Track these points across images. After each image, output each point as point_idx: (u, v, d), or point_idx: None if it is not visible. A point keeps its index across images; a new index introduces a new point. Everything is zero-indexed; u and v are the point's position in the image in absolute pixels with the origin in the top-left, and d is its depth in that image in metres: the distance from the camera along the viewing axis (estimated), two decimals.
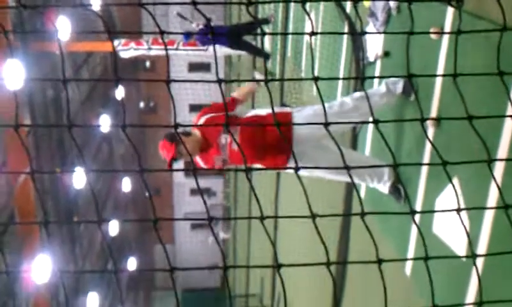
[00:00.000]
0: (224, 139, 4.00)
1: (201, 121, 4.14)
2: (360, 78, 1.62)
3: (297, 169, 1.67)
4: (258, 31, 10.99)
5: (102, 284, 19.11)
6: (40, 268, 10.83)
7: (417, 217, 1.76)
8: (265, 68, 1.86)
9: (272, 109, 1.79)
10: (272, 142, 4.02)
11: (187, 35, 10.59)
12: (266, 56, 11.62)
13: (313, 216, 1.56)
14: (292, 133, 4.08)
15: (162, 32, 1.66)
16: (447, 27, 3.91)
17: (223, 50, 11.57)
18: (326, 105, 4.21)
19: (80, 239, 17.05)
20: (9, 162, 11.11)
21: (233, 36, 10.62)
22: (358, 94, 4.35)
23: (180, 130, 4.01)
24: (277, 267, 1.53)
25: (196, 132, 4.11)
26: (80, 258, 16.92)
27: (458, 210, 1.67)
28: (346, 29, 6.43)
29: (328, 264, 1.56)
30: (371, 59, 5.30)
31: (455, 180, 3.59)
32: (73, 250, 15.91)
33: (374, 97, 4.28)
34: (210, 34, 9.95)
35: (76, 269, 16.01)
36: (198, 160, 4.19)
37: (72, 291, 15.68)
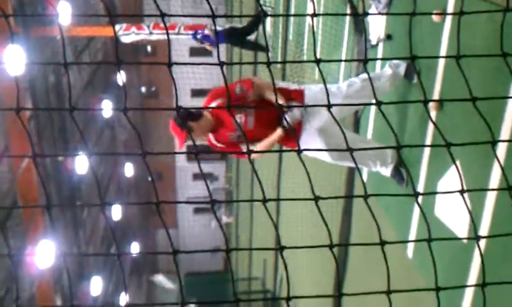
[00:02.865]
0: (239, 118, 4.00)
1: (215, 103, 4.10)
2: (362, 60, 1.60)
3: (299, 151, 1.67)
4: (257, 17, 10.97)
5: (105, 268, 19.23)
6: (44, 253, 10.90)
7: (419, 200, 1.76)
8: (267, 55, 1.83)
9: (275, 91, 1.78)
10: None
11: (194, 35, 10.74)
12: (266, 50, 11.60)
13: (316, 198, 1.56)
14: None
15: (163, 15, 1.65)
16: (450, 10, 3.89)
17: None
18: (335, 85, 4.21)
19: (83, 225, 17.14)
20: (12, 148, 11.13)
21: (230, 37, 10.74)
22: (365, 75, 4.31)
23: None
24: (280, 249, 1.53)
25: (207, 113, 4.08)
26: (84, 243, 17.01)
27: (461, 192, 1.67)
28: (348, 12, 6.39)
29: (330, 246, 1.56)
30: (373, 42, 5.27)
31: (457, 163, 3.58)
32: (76, 235, 15.99)
33: (382, 78, 4.26)
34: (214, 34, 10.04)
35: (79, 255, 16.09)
36: (211, 138, 4.18)
37: (76, 276, 15.79)
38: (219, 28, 10.57)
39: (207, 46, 10.52)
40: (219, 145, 4.16)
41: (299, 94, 4.14)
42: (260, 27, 10.92)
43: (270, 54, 11.85)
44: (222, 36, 10.47)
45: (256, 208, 17.29)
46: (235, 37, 10.69)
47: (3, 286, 11.06)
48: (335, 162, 4.49)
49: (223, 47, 21.17)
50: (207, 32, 10.33)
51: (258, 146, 4.04)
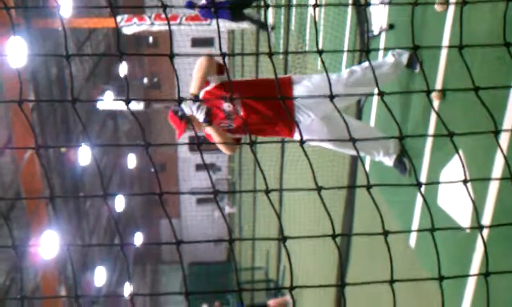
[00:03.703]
0: (227, 106, 3.99)
1: (201, 94, 4.09)
2: (364, 51, 1.60)
3: (302, 141, 1.67)
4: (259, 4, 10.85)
5: (109, 259, 19.32)
6: (48, 244, 10.95)
7: (422, 190, 1.77)
8: (269, 40, 1.84)
9: (277, 76, 1.78)
10: (275, 107, 3.98)
11: (190, 5, 10.49)
12: (268, 28, 11.53)
13: (319, 188, 1.57)
14: (293, 100, 4.04)
15: (164, 6, 1.65)
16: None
17: (226, 25, 11.47)
18: (335, 75, 4.18)
19: (86, 216, 17.20)
20: (15, 139, 11.16)
21: (235, 8, 10.50)
22: (367, 63, 4.25)
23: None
24: (283, 239, 1.54)
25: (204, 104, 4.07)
26: (87, 234, 17.08)
27: (465, 181, 1.67)
28: (350, 1, 6.37)
29: (333, 236, 1.56)
30: (375, 32, 5.25)
31: (460, 153, 3.58)
32: (80, 226, 16.06)
33: (384, 67, 4.22)
34: (212, 7, 9.84)
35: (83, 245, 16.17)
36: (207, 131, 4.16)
37: (80, 266, 15.87)
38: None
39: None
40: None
41: (285, 81, 4.06)
42: (261, 17, 10.84)
43: (271, 44, 11.76)
44: (226, 12, 10.30)
45: (259, 199, 17.30)
46: (239, 12, 10.49)
47: (8, 276, 11.13)
48: (338, 149, 4.48)
49: (224, 38, 21.01)
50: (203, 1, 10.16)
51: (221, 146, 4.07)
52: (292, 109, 4.04)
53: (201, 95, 4.05)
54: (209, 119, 3.78)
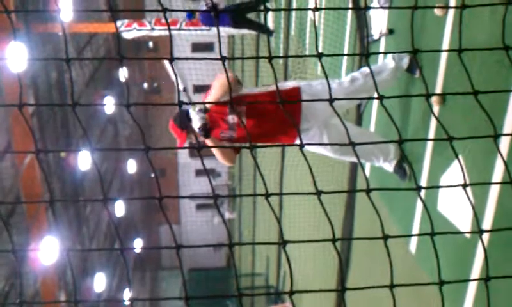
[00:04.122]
0: (232, 118, 3.98)
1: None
2: (364, 54, 1.61)
3: (302, 145, 1.66)
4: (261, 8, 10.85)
5: (108, 265, 19.28)
6: (47, 250, 10.94)
7: (422, 195, 1.76)
8: (269, 45, 1.85)
9: (277, 86, 1.78)
10: (280, 119, 3.97)
11: (191, 13, 10.52)
12: (269, 32, 11.56)
13: (318, 192, 1.56)
14: (301, 108, 4.04)
15: (164, 10, 1.65)
16: (452, 3, 3.88)
17: (226, 30, 11.50)
18: (336, 81, 4.18)
19: (86, 221, 17.18)
20: (14, 145, 11.16)
21: (237, 16, 10.53)
22: (368, 69, 4.27)
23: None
24: (283, 243, 1.53)
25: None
26: (87, 239, 17.06)
27: (464, 186, 1.66)
28: (350, 6, 6.38)
29: (333, 240, 1.56)
30: (375, 36, 5.26)
31: (460, 158, 3.57)
32: (80, 232, 16.03)
33: (384, 73, 4.23)
34: (214, 14, 9.86)
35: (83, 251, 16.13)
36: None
37: (79, 272, 15.84)
38: (221, 6, 10.35)
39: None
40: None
41: (295, 92, 4.07)
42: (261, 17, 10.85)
43: (271, 49, 11.75)
44: (227, 17, 10.33)
45: (259, 204, 17.29)
46: (241, 17, 10.52)
47: (8, 282, 11.10)
48: (337, 157, 4.46)
49: (224, 43, 21.04)
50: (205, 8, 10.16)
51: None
52: (299, 120, 4.04)
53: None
54: (205, 133, 3.76)
